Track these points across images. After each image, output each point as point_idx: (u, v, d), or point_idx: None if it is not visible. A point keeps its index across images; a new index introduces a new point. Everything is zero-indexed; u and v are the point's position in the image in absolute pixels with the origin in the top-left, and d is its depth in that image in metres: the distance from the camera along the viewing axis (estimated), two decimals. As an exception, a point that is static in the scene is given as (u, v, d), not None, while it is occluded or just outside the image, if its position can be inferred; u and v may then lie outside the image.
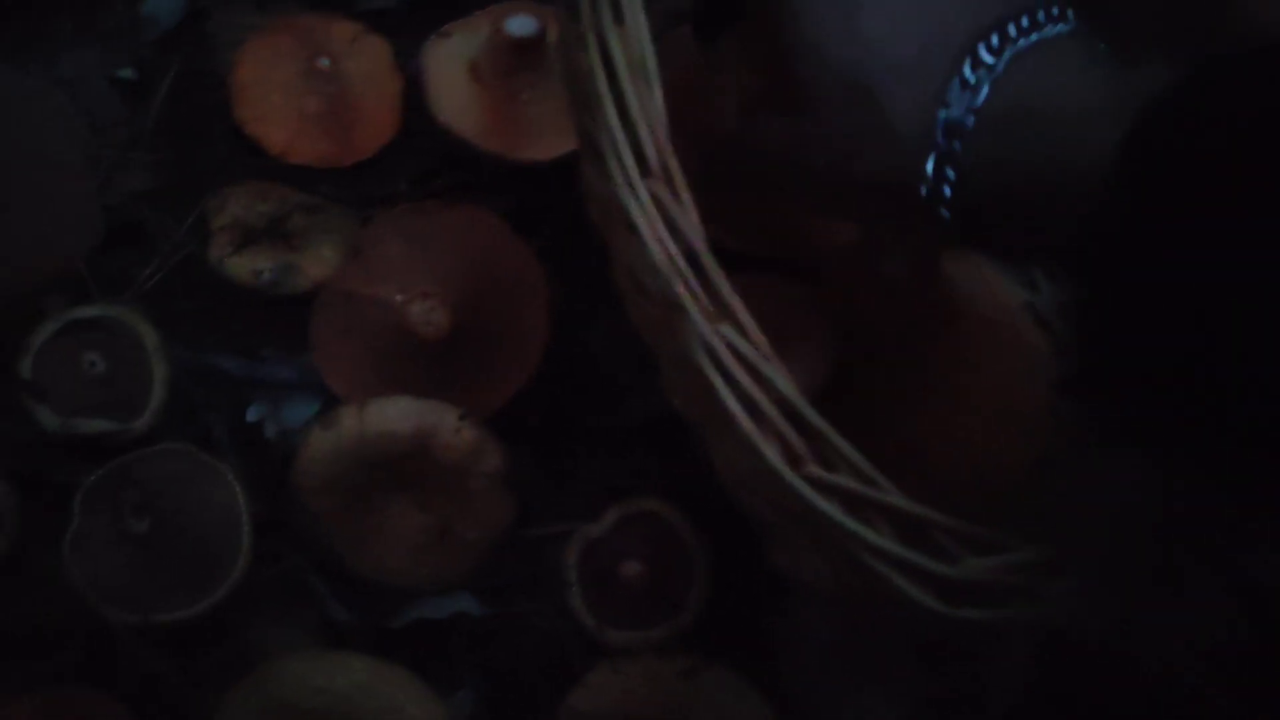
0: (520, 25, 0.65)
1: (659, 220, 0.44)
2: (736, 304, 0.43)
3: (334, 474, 0.57)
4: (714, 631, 0.59)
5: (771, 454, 0.42)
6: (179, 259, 0.64)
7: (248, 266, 0.61)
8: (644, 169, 0.44)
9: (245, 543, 0.57)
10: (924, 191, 0.43)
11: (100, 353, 0.59)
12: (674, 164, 0.44)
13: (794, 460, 0.42)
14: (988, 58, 0.42)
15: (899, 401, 0.60)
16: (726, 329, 0.43)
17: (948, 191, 0.42)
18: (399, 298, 0.60)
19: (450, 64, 0.69)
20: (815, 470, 0.42)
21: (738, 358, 0.43)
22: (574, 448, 0.63)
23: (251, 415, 0.62)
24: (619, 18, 0.46)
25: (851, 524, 0.41)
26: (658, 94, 0.45)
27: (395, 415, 0.56)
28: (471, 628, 0.59)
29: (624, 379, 0.63)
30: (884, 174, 0.44)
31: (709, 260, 0.43)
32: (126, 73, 0.68)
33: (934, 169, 0.42)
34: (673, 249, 0.43)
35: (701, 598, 0.58)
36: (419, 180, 0.68)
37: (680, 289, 0.43)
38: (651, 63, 0.46)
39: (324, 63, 0.67)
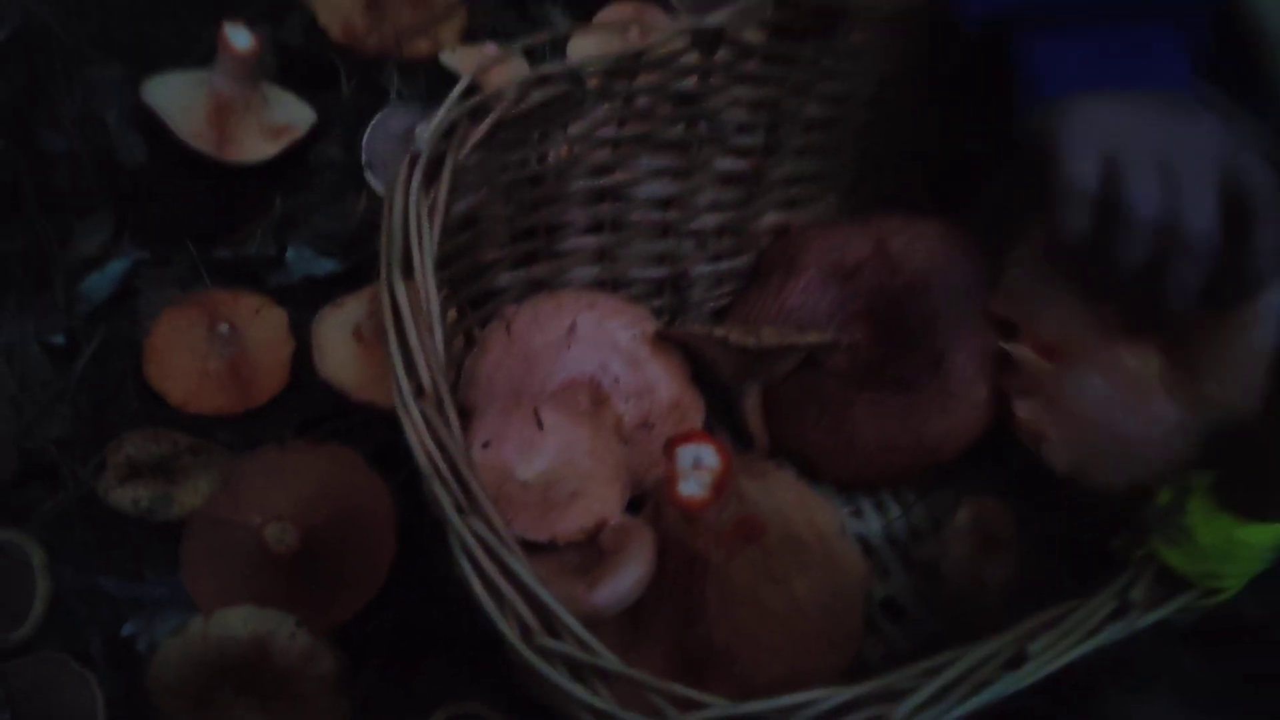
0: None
1: (425, 431, 0.52)
2: (486, 503, 0.51)
3: (182, 677, 0.63)
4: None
5: (508, 628, 0.48)
6: (79, 494, 0.73)
7: (129, 496, 0.70)
8: (417, 390, 0.53)
9: (99, 746, 0.63)
10: None
11: (-11, 569, 0.67)
12: (444, 388, 0.53)
13: (526, 632, 0.48)
14: None
15: (703, 610, 0.66)
16: (475, 522, 0.50)
17: None
18: (258, 520, 0.68)
19: (337, 329, 0.80)
20: (543, 640, 0.48)
21: (484, 547, 0.50)
22: (416, 657, 0.69)
23: (126, 630, 0.69)
24: (408, 273, 0.56)
25: (571, 685, 0.47)
26: (439, 334, 0.55)
27: (236, 622, 0.63)
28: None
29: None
30: None
31: (464, 465, 0.51)
32: (59, 339, 0.80)
33: None
34: (435, 454, 0.52)
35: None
36: (303, 426, 0.78)
37: (437, 487, 0.51)
38: (435, 308, 0.56)
39: (224, 329, 0.78)
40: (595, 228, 0.78)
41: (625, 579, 0.63)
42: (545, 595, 0.49)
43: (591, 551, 0.65)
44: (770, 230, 0.86)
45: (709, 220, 0.82)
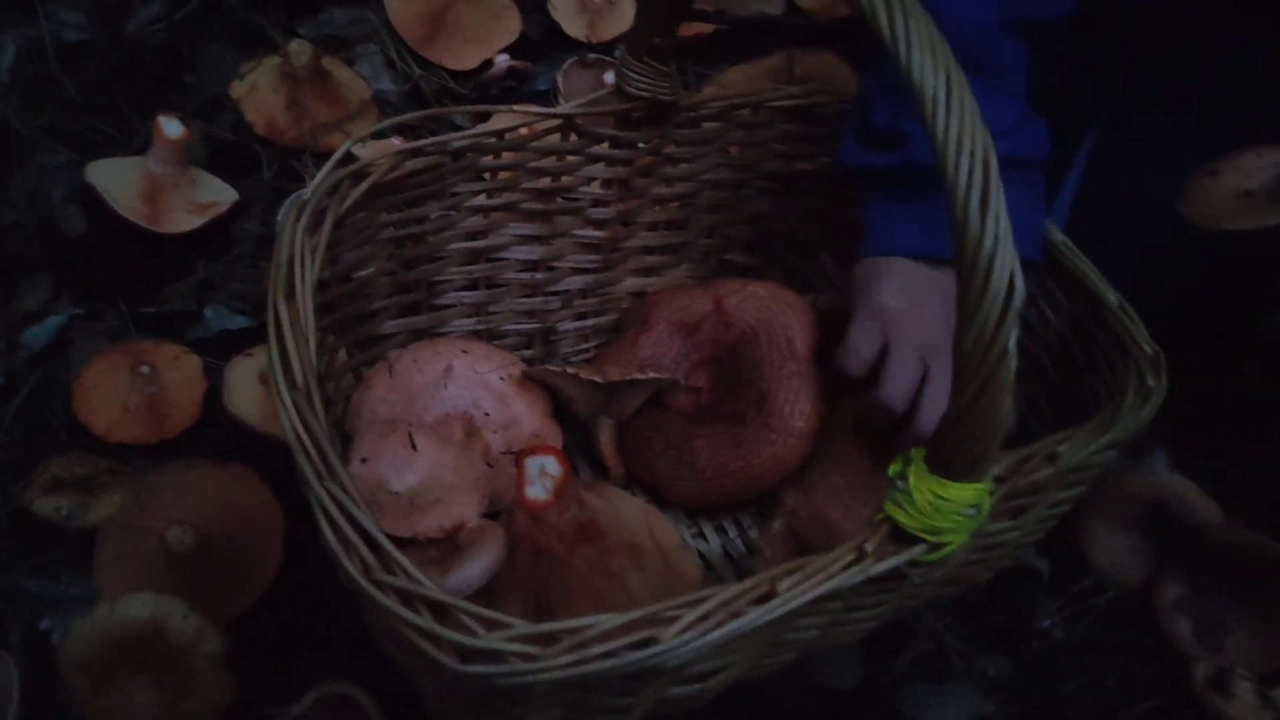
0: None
1: (295, 415, 0.64)
2: (340, 471, 0.62)
3: (88, 655, 0.73)
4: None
5: (352, 566, 0.59)
6: (9, 509, 0.83)
7: (51, 504, 0.80)
8: (292, 383, 0.65)
9: (13, 714, 0.72)
10: None
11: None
12: (313, 383, 0.65)
13: (366, 570, 0.59)
14: None
15: (548, 597, 0.77)
16: (331, 485, 0.61)
17: None
18: (161, 525, 0.79)
19: (245, 374, 0.91)
20: (380, 575, 0.59)
21: (336, 503, 0.61)
22: (297, 650, 0.78)
23: (44, 625, 0.79)
24: (290, 295, 0.69)
25: (401, 609, 0.58)
26: (311, 343, 0.67)
27: (136, 604, 0.73)
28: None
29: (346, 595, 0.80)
30: None
31: (325, 441, 0.63)
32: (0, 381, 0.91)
33: None
34: (302, 433, 0.63)
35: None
36: (212, 455, 0.89)
37: (302, 459, 0.62)
38: (310, 321, 0.68)
39: (145, 370, 0.89)
40: (471, 285, 0.91)
41: (475, 567, 0.74)
42: (383, 539, 0.60)
43: (450, 547, 0.76)
44: (630, 293, 0.99)
45: (573, 282, 0.95)
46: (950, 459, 0.62)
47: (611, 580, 0.79)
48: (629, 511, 0.86)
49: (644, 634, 0.59)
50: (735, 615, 0.60)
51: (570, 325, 0.97)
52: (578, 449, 0.94)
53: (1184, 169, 0.88)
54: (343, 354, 0.87)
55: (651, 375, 0.87)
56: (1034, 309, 0.87)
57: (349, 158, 0.76)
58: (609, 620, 0.59)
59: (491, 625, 0.58)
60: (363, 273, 0.84)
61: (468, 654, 0.57)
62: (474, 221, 0.88)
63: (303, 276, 0.70)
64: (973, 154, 0.54)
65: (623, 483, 0.92)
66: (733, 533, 0.91)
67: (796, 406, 0.88)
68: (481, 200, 0.87)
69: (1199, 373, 0.85)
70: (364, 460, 0.79)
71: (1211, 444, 0.93)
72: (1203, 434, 0.93)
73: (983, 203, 0.54)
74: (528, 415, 0.89)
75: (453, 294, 0.91)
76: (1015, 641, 0.85)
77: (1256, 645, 0.86)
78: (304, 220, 0.72)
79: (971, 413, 0.59)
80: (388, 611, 0.58)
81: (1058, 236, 0.84)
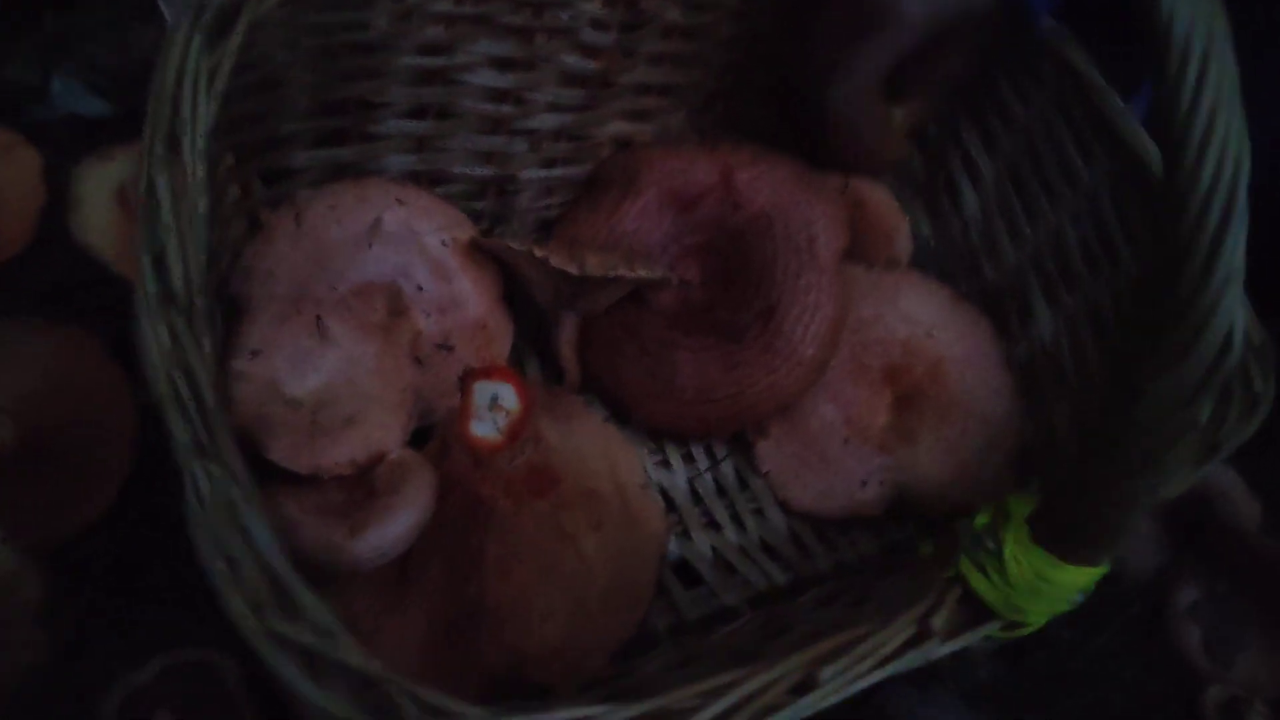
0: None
1: (168, 349, 0.43)
2: (230, 449, 0.43)
3: None
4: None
5: (236, 600, 0.41)
6: None
7: None
8: (165, 295, 0.44)
9: None
10: None
11: None
12: (200, 300, 0.45)
13: (258, 609, 0.41)
14: None
15: (479, 565, 0.60)
16: (215, 468, 0.42)
17: None
18: (-32, 409, 0.58)
19: (100, 186, 0.68)
20: (275, 622, 0.41)
21: (221, 500, 0.42)
22: (138, 591, 0.60)
23: None
24: (175, 148, 0.46)
25: (301, 681, 0.40)
26: (201, 230, 0.46)
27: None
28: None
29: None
30: None
31: (212, 396, 0.43)
32: None
33: None
34: (178, 379, 0.43)
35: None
36: (48, 295, 0.67)
37: (174, 420, 0.43)
38: (202, 197, 0.46)
39: (-43, 164, 0.66)
40: (417, 112, 0.69)
41: (394, 527, 0.56)
42: (285, 570, 0.41)
43: (361, 489, 0.58)
44: (612, 140, 0.78)
45: (547, 120, 0.73)
46: (1070, 535, 0.46)
47: (564, 543, 0.62)
48: (589, 443, 0.68)
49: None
50: (767, 711, 0.45)
51: (535, 174, 0.76)
52: (527, 341, 0.74)
53: None
54: (236, 190, 0.64)
55: (643, 274, 0.68)
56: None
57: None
58: (605, 713, 0.43)
59: (435, 713, 0.41)
60: (274, 85, 0.61)
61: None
62: (434, 34, 0.64)
63: (195, 118, 0.48)
64: (1223, 162, 0.37)
65: (578, 389, 0.74)
66: (703, 463, 0.75)
67: (811, 329, 0.70)
68: (447, 6, 0.63)
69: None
70: (254, 354, 0.59)
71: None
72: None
73: (1220, 229, 0.37)
74: (473, 297, 0.69)
75: (392, 121, 0.68)
76: (1016, 644, 0.73)
77: (1269, 667, 0.76)
78: (204, 22, 0.49)
79: (1123, 486, 0.43)
80: (285, 677, 0.41)
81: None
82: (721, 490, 0.74)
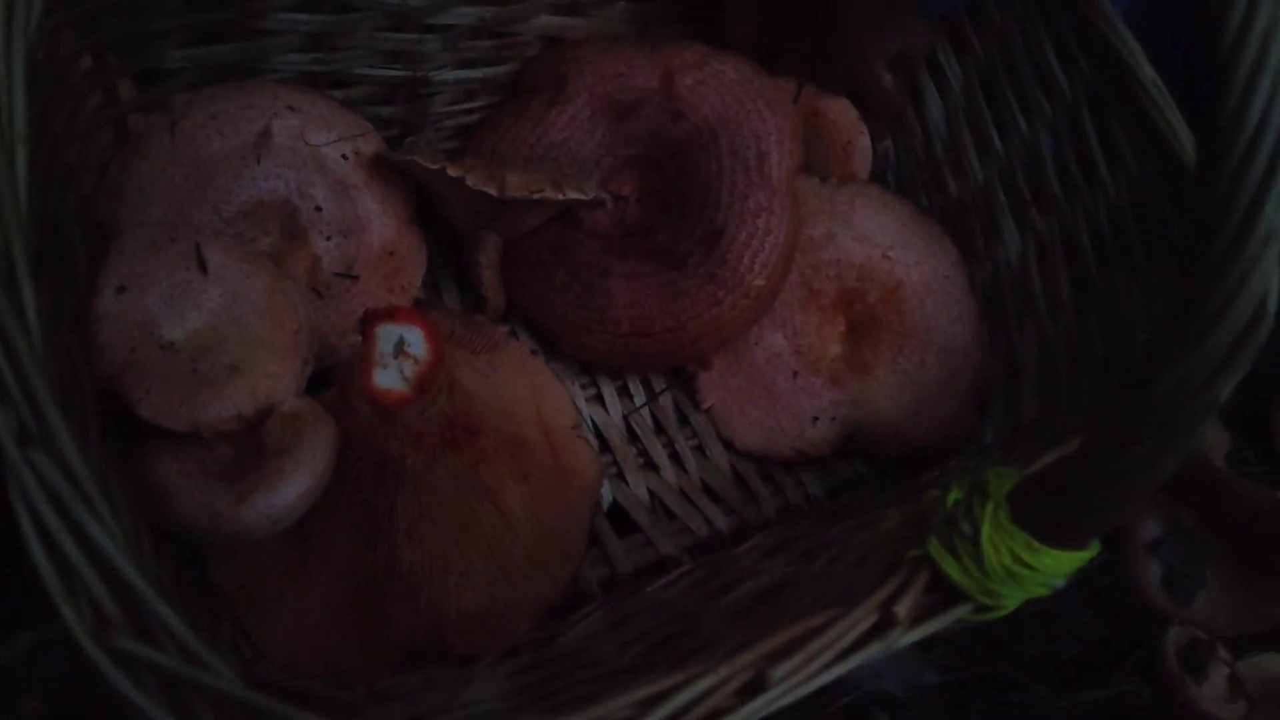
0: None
1: None
2: (62, 433, 0.35)
3: None
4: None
5: (74, 616, 0.34)
6: None
7: None
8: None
9: None
10: None
11: None
12: (20, 248, 0.37)
13: (101, 626, 0.34)
14: None
15: (389, 526, 0.53)
16: (43, 460, 0.35)
17: None
18: None
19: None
20: (124, 640, 0.34)
21: (52, 497, 0.34)
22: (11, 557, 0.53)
23: None
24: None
25: (158, 713, 0.34)
26: (22, 157, 0.38)
27: None
28: None
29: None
30: None
31: (35, 372, 0.35)
32: None
33: None
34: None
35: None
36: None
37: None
38: (21, 112, 0.38)
39: None
40: (311, 5, 0.60)
41: (286, 492, 0.49)
42: (135, 577, 0.34)
43: (249, 446, 0.51)
44: (539, 37, 0.69)
45: (464, 15, 0.64)
46: (1057, 518, 0.41)
47: (483, 499, 0.56)
48: (512, 382, 0.61)
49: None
50: (713, 717, 0.39)
51: (450, 75, 0.67)
52: (443, 264, 0.67)
53: None
54: (100, 96, 0.55)
55: (573, 196, 0.60)
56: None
57: None
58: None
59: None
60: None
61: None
62: (327, -89, 0.55)
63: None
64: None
65: (501, 317, 0.67)
66: (640, 398, 0.68)
67: (760, 257, 0.63)
68: (343, -122, 0.54)
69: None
70: (122, 290, 0.51)
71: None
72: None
73: (1262, 184, 0.31)
74: (379, 218, 0.61)
75: (282, 15, 0.59)
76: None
77: (1226, 605, 0.73)
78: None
79: (1124, 465, 0.38)
80: (135, 706, 0.34)
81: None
82: (660, 427, 0.67)
